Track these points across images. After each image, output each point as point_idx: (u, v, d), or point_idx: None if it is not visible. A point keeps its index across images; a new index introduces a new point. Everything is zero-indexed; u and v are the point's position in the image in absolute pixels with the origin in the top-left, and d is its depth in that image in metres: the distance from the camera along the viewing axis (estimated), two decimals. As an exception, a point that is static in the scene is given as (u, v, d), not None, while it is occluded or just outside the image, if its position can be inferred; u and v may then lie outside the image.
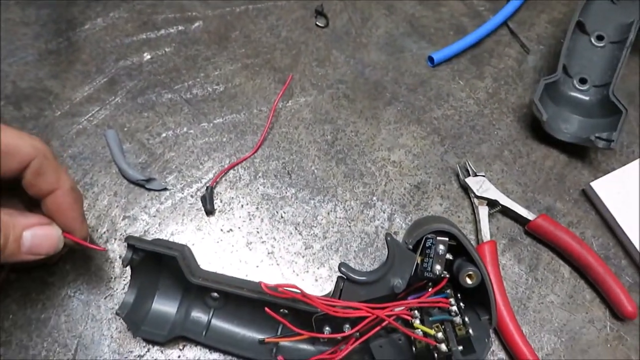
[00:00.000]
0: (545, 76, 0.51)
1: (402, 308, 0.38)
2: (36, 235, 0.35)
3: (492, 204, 0.49)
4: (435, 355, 0.36)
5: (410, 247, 0.39)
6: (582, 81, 0.53)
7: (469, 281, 0.38)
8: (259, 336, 0.42)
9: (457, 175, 0.50)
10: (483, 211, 0.48)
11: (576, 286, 0.48)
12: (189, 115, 0.52)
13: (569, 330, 0.46)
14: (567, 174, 0.52)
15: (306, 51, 0.56)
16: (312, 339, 0.42)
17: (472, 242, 0.47)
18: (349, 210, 0.49)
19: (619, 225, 0.48)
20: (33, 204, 0.37)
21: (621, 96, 0.50)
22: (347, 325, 0.39)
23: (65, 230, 0.37)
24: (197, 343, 0.43)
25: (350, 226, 0.48)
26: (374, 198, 0.50)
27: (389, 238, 0.38)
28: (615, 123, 0.49)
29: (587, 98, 0.53)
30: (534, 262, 0.48)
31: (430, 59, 0.56)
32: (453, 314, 0.38)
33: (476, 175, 0.50)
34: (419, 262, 0.38)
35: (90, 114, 0.51)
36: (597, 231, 0.50)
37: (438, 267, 0.38)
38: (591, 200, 0.51)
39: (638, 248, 0.47)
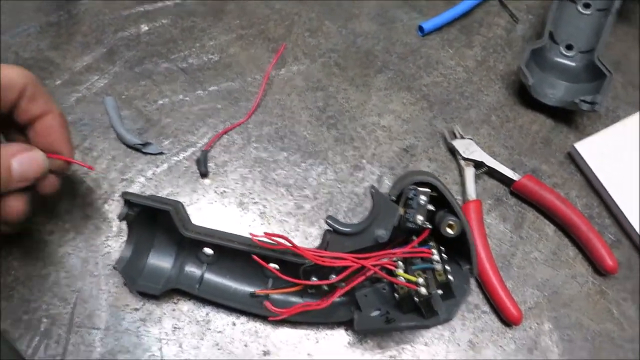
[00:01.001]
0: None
1: (387, 259, 0.40)
2: (23, 162, 0.36)
3: (478, 165, 0.50)
4: (416, 299, 0.38)
5: (394, 198, 0.40)
6: (569, 47, 0.54)
7: (450, 231, 0.40)
8: (251, 289, 0.44)
9: (445, 139, 0.52)
10: (469, 172, 0.50)
11: (560, 244, 0.49)
12: (184, 83, 0.54)
13: (551, 285, 0.47)
14: (553, 138, 0.53)
15: (299, 22, 0.57)
16: (300, 292, 0.43)
17: (458, 201, 0.49)
18: (339, 172, 0.50)
19: (602, 185, 0.50)
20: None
21: (608, 63, 0.51)
22: (333, 276, 0.40)
23: (55, 152, 0.39)
24: (190, 296, 0.44)
25: (340, 187, 0.50)
26: (364, 161, 0.51)
27: (373, 190, 0.39)
28: (600, 87, 0.50)
29: (573, 64, 0.54)
30: (518, 221, 0.50)
31: (421, 28, 0.57)
32: (435, 262, 0.40)
33: (463, 138, 0.51)
34: (402, 213, 0.40)
35: (89, 83, 0.53)
36: (581, 191, 0.51)
37: (420, 218, 0.39)
38: (576, 162, 0.52)
39: (620, 206, 0.49)
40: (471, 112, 0.54)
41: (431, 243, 0.42)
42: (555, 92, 0.54)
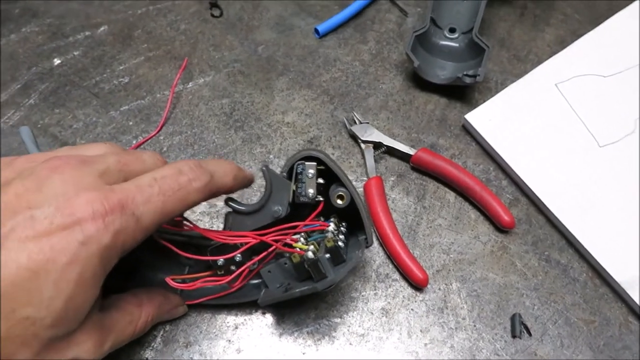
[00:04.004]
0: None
1: (287, 235, 0.42)
2: (170, 315, 0.45)
3: (377, 146, 0.53)
4: (306, 265, 0.40)
5: (285, 174, 0.43)
6: (452, 30, 0.58)
7: (339, 202, 0.42)
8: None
9: (345, 126, 0.55)
10: (368, 153, 0.53)
11: (461, 208, 0.52)
12: (97, 106, 0.57)
13: (456, 247, 0.50)
14: (447, 114, 0.57)
15: (203, 39, 0.61)
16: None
17: (362, 180, 0.52)
18: (248, 169, 0.53)
19: (494, 150, 0.53)
20: None
21: (493, 41, 0.56)
22: (239, 255, 0.42)
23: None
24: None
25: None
26: (271, 156, 0.54)
27: (264, 168, 0.42)
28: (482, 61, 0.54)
29: (457, 45, 0.58)
30: (421, 193, 0.53)
31: (317, 31, 0.61)
32: (328, 232, 0.42)
33: (361, 124, 0.54)
34: (294, 188, 0.42)
35: (6, 117, 0.56)
36: (477, 159, 0.54)
37: (311, 191, 0.42)
38: (469, 132, 0.55)
39: (513, 167, 0.52)
40: (369, 100, 0.57)
41: (332, 219, 0.44)
42: (445, 72, 0.58)
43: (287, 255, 0.43)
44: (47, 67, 0.59)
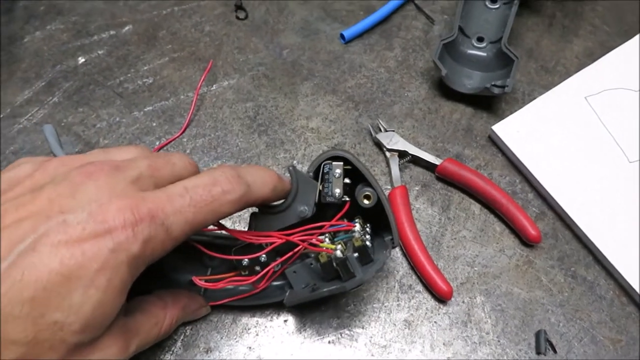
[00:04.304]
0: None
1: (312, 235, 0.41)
2: (193, 316, 0.44)
3: (402, 154, 0.53)
4: (334, 264, 0.39)
5: (311, 174, 0.42)
6: (480, 40, 0.58)
7: (366, 202, 0.42)
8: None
9: (370, 134, 0.55)
10: (394, 161, 0.52)
11: (486, 221, 0.51)
12: (121, 106, 0.56)
13: (481, 260, 0.49)
14: (474, 124, 0.56)
15: (228, 41, 0.61)
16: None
17: (387, 190, 0.51)
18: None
19: (521, 162, 0.52)
20: None
21: (521, 51, 0.55)
22: (264, 256, 0.42)
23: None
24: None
25: (273, 188, 0.52)
26: (295, 162, 0.53)
27: (291, 168, 0.41)
28: (511, 72, 0.54)
29: (485, 54, 0.57)
30: (445, 204, 0.52)
31: (342, 36, 0.60)
32: (355, 232, 0.42)
33: (386, 131, 0.54)
34: (321, 188, 0.42)
35: (29, 114, 0.56)
36: (503, 170, 0.54)
37: (337, 191, 0.41)
38: (496, 143, 0.54)
39: (540, 180, 0.51)
40: (394, 107, 0.57)
41: (357, 220, 0.44)
42: (471, 82, 0.57)
43: (314, 255, 0.42)
44: (71, 65, 0.59)
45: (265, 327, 0.46)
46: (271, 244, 0.40)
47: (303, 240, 0.41)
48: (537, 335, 0.46)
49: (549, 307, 0.47)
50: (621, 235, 0.49)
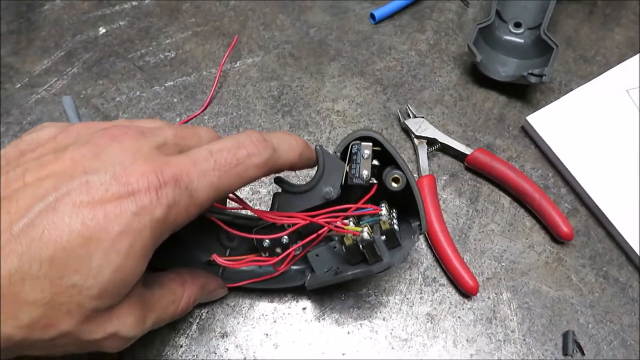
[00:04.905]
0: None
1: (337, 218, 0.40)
2: (211, 297, 0.42)
3: (431, 142, 0.51)
4: (361, 246, 0.38)
5: (338, 154, 0.40)
6: (517, 25, 0.55)
7: (394, 185, 0.40)
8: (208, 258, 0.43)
9: (399, 119, 0.52)
10: (422, 149, 0.50)
11: (516, 215, 0.49)
12: (141, 80, 0.55)
13: (509, 256, 0.47)
14: (506, 114, 0.54)
15: (253, 17, 0.59)
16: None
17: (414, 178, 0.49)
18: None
19: (555, 156, 0.50)
20: None
21: (560, 39, 0.52)
22: (286, 237, 0.40)
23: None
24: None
25: (295, 172, 0.50)
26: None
27: (318, 148, 0.39)
28: (549, 60, 0.51)
29: (522, 41, 0.55)
30: (474, 195, 0.50)
31: (372, 16, 0.58)
32: (383, 216, 0.40)
33: (415, 117, 0.52)
34: (347, 170, 0.40)
35: (48, 84, 0.54)
36: (536, 163, 0.51)
37: (365, 172, 0.39)
38: (529, 134, 0.52)
39: (574, 175, 0.49)
40: (424, 93, 0.55)
41: (383, 204, 0.42)
42: (506, 69, 0.54)
43: (338, 238, 0.41)
44: (92, 35, 0.57)
45: (283, 314, 0.45)
46: (294, 225, 0.39)
47: (328, 223, 0.39)
48: (565, 335, 0.44)
49: (578, 307, 0.46)
50: (658, 236, 0.46)
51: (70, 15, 0.58)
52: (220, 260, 0.39)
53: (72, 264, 0.27)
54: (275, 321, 0.44)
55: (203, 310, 0.45)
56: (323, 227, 0.39)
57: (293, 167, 0.37)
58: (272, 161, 0.34)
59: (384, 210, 0.40)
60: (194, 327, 0.44)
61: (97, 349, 0.31)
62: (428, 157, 0.50)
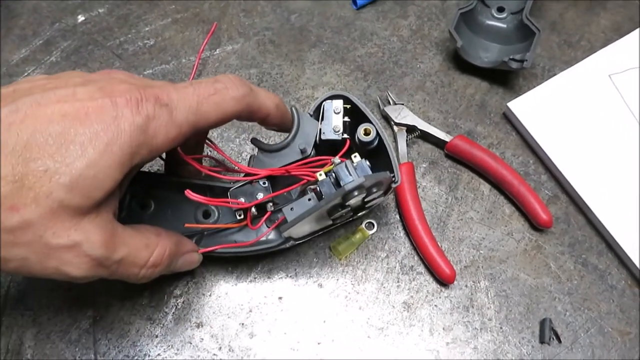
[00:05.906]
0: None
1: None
2: (185, 261, 0.39)
3: (410, 130, 0.50)
4: (330, 179, 0.37)
5: (311, 113, 0.42)
6: (500, 10, 0.54)
7: (365, 136, 0.41)
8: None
9: (379, 107, 0.52)
10: (401, 136, 0.50)
11: (495, 202, 0.49)
12: (120, 68, 0.54)
13: (487, 243, 0.47)
14: (488, 100, 0.53)
15: (234, 3, 0.58)
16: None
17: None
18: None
19: (536, 142, 0.49)
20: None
21: (544, 24, 0.51)
22: (261, 194, 0.40)
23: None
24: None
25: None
26: (298, 133, 0.51)
27: (293, 108, 0.41)
28: (531, 46, 0.50)
29: (504, 26, 0.54)
30: (454, 183, 0.49)
31: (354, 1, 0.57)
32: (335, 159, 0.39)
33: (395, 104, 0.51)
34: (321, 127, 0.41)
35: (26, 73, 0.54)
36: (517, 150, 0.51)
37: (337, 125, 0.41)
38: (510, 121, 0.52)
39: (555, 162, 0.48)
40: (405, 79, 0.54)
41: (355, 155, 0.41)
42: (489, 55, 0.54)
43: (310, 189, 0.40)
44: (70, 23, 0.56)
45: (259, 303, 0.45)
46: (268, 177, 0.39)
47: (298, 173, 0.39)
48: (542, 323, 0.44)
49: (556, 295, 0.45)
50: (637, 224, 0.46)
51: (49, 3, 0.58)
52: (193, 195, 0.36)
53: (48, 149, 0.28)
54: (250, 310, 0.44)
55: (179, 300, 0.45)
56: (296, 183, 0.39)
57: (269, 117, 0.38)
58: (250, 98, 0.35)
59: (357, 157, 0.39)
60: (170, 317, 0.44)
61: (58, 272, 0.30)
62: (407, 145, 0.50)
